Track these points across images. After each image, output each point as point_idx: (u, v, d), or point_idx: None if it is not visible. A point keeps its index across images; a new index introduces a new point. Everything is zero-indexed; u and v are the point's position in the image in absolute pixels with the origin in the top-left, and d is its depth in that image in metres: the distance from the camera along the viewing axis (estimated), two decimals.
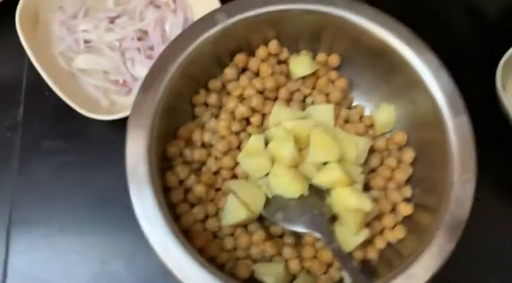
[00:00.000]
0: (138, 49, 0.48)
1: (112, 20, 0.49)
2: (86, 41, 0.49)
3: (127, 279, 0.44)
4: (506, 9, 0.56)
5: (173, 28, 0.49)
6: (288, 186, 0.38)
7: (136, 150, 0.36)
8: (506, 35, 0.54)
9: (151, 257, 0.43)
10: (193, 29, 0.39)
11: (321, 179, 0.38)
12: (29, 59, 0.50)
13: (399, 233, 0.39)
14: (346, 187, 0.37)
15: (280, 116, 0.40)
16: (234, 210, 0.38)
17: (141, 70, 0.48)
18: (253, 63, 0.43)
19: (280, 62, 0.45)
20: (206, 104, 0.43)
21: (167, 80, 0.38)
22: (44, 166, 0.47)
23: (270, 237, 0.39)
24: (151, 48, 0.49)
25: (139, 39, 0.49)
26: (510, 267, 0.46)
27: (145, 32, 0.49)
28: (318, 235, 0.36)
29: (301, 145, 0.39)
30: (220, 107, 0.43)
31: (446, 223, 0.35)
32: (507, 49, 0.48)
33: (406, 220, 0.40)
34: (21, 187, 0.46)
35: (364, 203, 0.37)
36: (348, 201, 0.37)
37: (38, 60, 0.45)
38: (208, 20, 0.39)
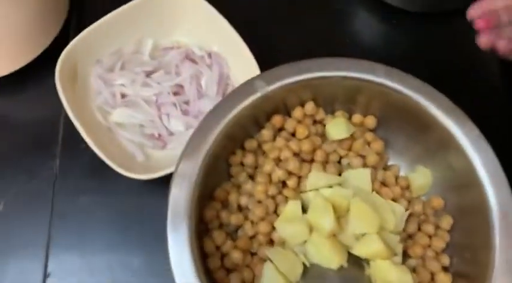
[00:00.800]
0: (174, 104, 0.49)
1: (148, 74, 0.50)
2: (123, 95, 0.50)
3: None
4: None
5: (209, 83, 0.50)
6: (327, 256, 0.37)
7: (177, 215, 0.36)
8: None
9: None
10: (233, 96, 0.40)
11: (361, 250, 0.38)
12: (65, 113, 0.51)
13: None
14: (387, 261, 0.37)
15: (318, 181, 0.40)
16: (272, 280, 0.37)
17: (177, 125, 0.49)
18: (289, 124, 0.43)
19: (315, 122, 0.45)
20: (242, 164, 0.43)
21: (208, 146, 0.38)
22: (81, 222, 0.48)
23: None
24: (186, 102, 0.50)
25: (175, 93, 0.49)
26: None
27: (181, 86, 0.50)
28: None
29: (339, 214, 0.39)
30: (256, 167, 0.43)
31: None
32: None
33: None
34: (55, 241, 0.47)
35: (405, 278, 0.36)
36: (388, 276, 0.36)
37: (75, 114, 0.46)
38: (248, 87, 0.40)
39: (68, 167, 0.49)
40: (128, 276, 0.46)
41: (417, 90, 0.40)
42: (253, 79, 0.40)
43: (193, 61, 0.51)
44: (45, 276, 0.46)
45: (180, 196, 0.36)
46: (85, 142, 0.46)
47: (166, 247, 0.35)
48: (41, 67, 0.51)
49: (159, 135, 0.49)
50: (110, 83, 0.50)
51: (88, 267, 0.46)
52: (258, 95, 0.40)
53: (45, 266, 0.46)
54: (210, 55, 0.51)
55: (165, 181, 0.43)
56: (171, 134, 0.49)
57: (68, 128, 0.50)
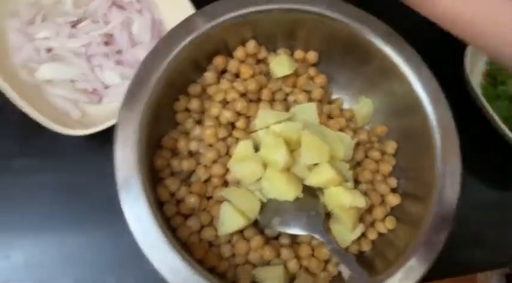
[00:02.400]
0: (106, 55, 0.46)
1: (74, 25, 0.46)
2: (48, 50, 0.46)
3: None
4: None
5: (141, 30, 0.47)
6: (283, 190, 0.38)
7: (126, 165, 0.34)
8: None
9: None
10: (171, 37, 0.38)
11: (314, 180, 0.38)
12: None
13: (390, 224, 0.41)
14: (340, 186, 0.38)
15: (267, 119, 0.40)
16: (230, 219, 0.37)
17: (111, 76, 0.46)
18: (232, 65, 0.42)
19: (258, 61, 0.44)
20: (187, 110, 0.42)
21: (150, 92, 0.36)
22: (16, 187, 0.44)
23: (266, 240, 0.40)
24: (119, 52, 0.47)
25: (105, 44, 0.46)
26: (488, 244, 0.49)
27: (111, 36, 0.47)
28: (317, 236, 0.37)
29: (291, 148, 0.39)
30: (202, 112, 0.42)
31: (437, 212, 0.37)
32: None
33: (395, 210, 0.42)
34: None
35: (359, 201, 0.38)
36: (342, 200, 0.38)
37: None
38: (187, 26, 0.38)
39: None
40: (77, 242, 0.44)
41: (357, 19, 0.40)
42: (191, 16, 0.38)
43: (121, 7, 0.48)
44: None
45: (125, 150, 0.35)
46: (12, 105, 0.42)
47: (120, 202, 0.34)
48: None
49: (94, 89, 0.46)
50: (31, 37, 0.45)
51: (32, 234, 0.43)
52: (199, 33, 0.38)
53: None
54: (138, 0, 0.48)
55: (106, 137, 0.40)
56: (106, 86, 0.46)
57: None
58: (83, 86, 0.46)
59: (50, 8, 0.47)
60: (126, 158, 0.35)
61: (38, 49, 0.45)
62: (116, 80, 0.46)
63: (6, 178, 0.44)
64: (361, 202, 0.38)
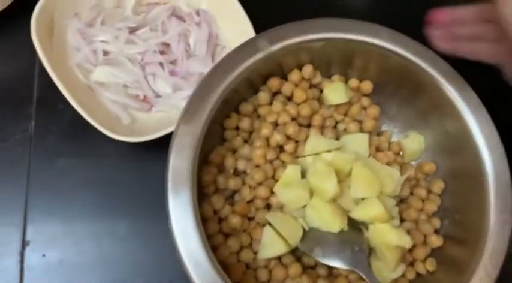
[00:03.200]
0: (161, 64, 0.46)
1: (132, 31, 0.47)
2: (105, 53, 0.46)
3: None
4: None
5: (197, 42, 0.47)
6: (328, 220, 0.37)
7: (179, 175, 0.34)
8: None
9: None
10: (234, 56, 0.38)
11: (361, 214, 0.38)
12: (39, 67, 0.47)
13: (430, 266, 0.40)
14: (386, 224, 0.37)
15: (318, 146, 0.40)
16: (272, 244, 0.37)
17: (164, 86, 0.46)
18: (286, 88, 0.42)
19: (311, 86, 0.44)
20: (237, 128, 0.42)
21: (209, 108, 0.36)
22: (59, 186, 0.45)
23: (303, 268, 0.39)
24: (173, 62, 0.47)
25: (161, 52, 0.46)
26: None
27: (168, 45, 0.47)
28: (360, 273, 0.36)
29: (340, 179, 0.38)
30: (250, 132, 0.42)
31: (486, 258, 0.36)
32: None
33: (436, 252, 0.41)
34: (34, 208, 0.44)
35: (405, 240, 0.37)
36: (388, 238, 0.37)
37: (54, 71, 0.42)
38: (251, 46, 0.38)
39: (44, 129, 0.46)
40: (113, 244, 0.44)
41: (418, 54, 0.40)
42: (256, 38, 0.38)
43: (180, 18, 0.48)
44: (24, 244, 0.43)
45: (180, 161, 0.35)
46: (63, 102, 0.43)
47: (167, 213, 0.34)
48: (11, 19, 0.47)
49: (145, 96, 0.46)
50: (90, 39, 0.46)
51: (70, 234, 0.44)
52: (261, 55, 0.38)
53: (24, 234, 0.43)
54: (198, 12, 0.48)
55: (151, 145, 0.41)
56: (157, 95, 0.46)
57: (43, 87, 0.47)
58: (135, 92, 0.46)
59: (110, 12, 0.48)
60: (179, 168, 0.35)
61: (95, 51, 0.46)
62: (168, 90, 0.46)
63: (50, 176, 0.45)
64: (407, 241, 0.37)
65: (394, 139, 0.46)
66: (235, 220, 0.38)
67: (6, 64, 0.48)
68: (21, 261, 0.42)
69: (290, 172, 0.39)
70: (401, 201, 0.43)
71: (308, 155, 0.40)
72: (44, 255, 0.43)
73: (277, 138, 0.40)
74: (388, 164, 0.42)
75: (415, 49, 0.40)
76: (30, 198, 0.44)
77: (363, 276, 0.36)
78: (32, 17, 0.43)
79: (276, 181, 0.40)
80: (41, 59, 0.42)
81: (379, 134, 0.45)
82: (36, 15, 0.43)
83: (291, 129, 0.40)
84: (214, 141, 0.41)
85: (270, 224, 0.38)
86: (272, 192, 0.39)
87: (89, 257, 0.43)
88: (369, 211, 0.37)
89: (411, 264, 0.40)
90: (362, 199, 0.38)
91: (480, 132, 0.39)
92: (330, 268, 0.40)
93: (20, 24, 0.44)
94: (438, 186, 0.42)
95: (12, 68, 0.48)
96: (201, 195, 0.39)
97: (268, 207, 0.40)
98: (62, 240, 0.43)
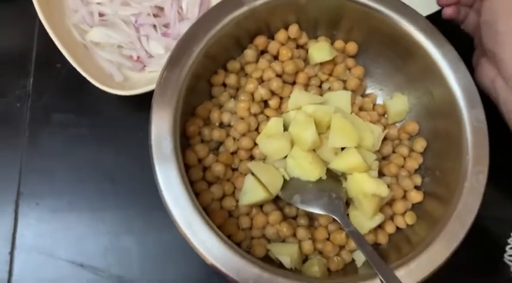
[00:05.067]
0: (154, 26, 0.48)
1: None
2: (101, 14, 0.48)
3: (137, 254, 0.44)
4: None
5: (190, 6, 0.48)
6: (307, 169, 0.38)
7: (161, 128, 0.36)
8: None
9: (162, 233, 0.44)
10: (219, 9, 0.39)
11: (339, 164, 0.39)
12: (39, 29, 0.49)
13: (409, 219, 0.41)
14: (364, 173, 0.38)
15: (300, 100, 0.41)
16: (252, 191, 0.38)
17: (156, 47, 0.48)
18: (272, 46, 0.43)
19: (298, 47, 0.45)
20: (224, 84, 0.43)
21: (192, 60, 0.38)
22: (54, 139, 0.46)
23: (284, 218, 0.40)
24: (166, 25, 0.49)
25: (155, 15, 0.48)
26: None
27: (161, 9, 0.49)
28: (335, 217, 0.37)
29: (320, 130, 0.40)
30: (237, 88, 0.43)
31: (458, 213, 0.37)
32: None
33: (416, 207, 0.42)
34: (30, 159, 0.46)
35: (382, 189, 0.38)
36: (365, 187, 0.38)
37: (52, 30, 0.44)
38: (233, 1, 0.39)
39: (41, 86, 0.48)
40: (108, 196, 0.45)
41: (398, 10, 0.41)
42: None
43: None
44: (19, 194, 0.45)
45: (162, 112, 0.36)
46: (60, 61, 0.45)
47: (151, 160, 0.35)
48: None
49: (138, 57, 0.48)
50: (86, 1, 0.48)
51: (64, 187, 0.45)
52: (245, 9, 0.39)
53: (18, 186, 0.45)
54: None
55: (143, 102, 0.42)
56: (150, 56, 0.48)
57: (42, 47, 0.49)
58: (129, 53, 0.48)
59: None
60: (161, 119, 0.36)
61: (92, 13, 0.48)
62: (160, 51, 0.48)
63: (44, 130, 0.47)
64: (384, 190, 0.38)
65: (379, 102, 0.47)
66: (218, 168, 0.39)
67: (8, 24, 0.50)
68: (16, 210, 0.44)
69: (273, 124, 0.40)
70: (383, 158, 0.44)
71: (291, 110, 0.41)
72: (37, 204, 0.44)
73: (261, 92, 0.41)
74: (371, 122, 0.43)
75: (395, 6, 0.41)
76: (26, 150, 0.46)
77: (339, 221, 0.37)
78: None
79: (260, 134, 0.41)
80: (40, 20, 0.44)
81: (364, 96, 0.46)
82: None
83: (275, 84, 0.41)
84: (202, 97, 0.43)
85: (252, 173, 0.39)
86: (255, 144, 0.41)
87: (79, 205, 0.45)
88: (346, 161, 0.38)
89: (391, 218, 0.41)
90: (342, 149, 0.39)
91: (464, 99, 0.39)
92: (310, 219, 0.41)
93: None
94: (420, 144, 0.43)
95: (13, 29, 0.50)
96: (188, 146, 0.40)
97: (251, 158, 0.41)
98: (55, 190, 0.45)
